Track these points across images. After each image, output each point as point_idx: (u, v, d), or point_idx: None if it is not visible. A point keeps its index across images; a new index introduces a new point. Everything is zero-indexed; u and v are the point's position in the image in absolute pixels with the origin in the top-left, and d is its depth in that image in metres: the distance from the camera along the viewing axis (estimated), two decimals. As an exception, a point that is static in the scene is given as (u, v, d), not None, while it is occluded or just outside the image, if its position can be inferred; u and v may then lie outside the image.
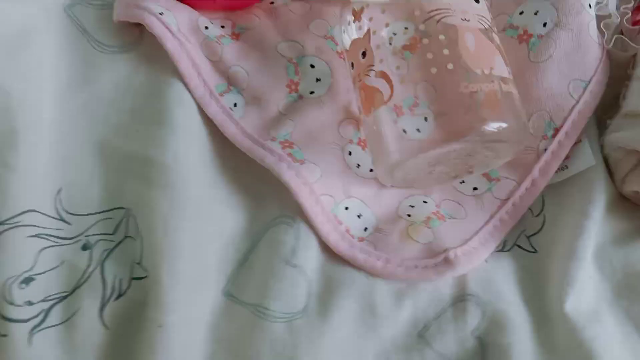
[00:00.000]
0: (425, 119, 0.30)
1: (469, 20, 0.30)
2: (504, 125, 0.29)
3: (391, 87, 0.30)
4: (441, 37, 0.29)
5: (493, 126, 0.29)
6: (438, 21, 0.30)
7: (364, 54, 0.31)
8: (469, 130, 0.29)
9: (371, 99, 0.31)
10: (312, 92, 0.35)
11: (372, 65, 0.31)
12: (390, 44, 0.31)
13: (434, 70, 0.29)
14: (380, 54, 0.31)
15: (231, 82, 0.35)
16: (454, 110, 0.30)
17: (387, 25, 0.31)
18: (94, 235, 0.32)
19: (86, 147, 0.34)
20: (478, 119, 0.29)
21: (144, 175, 0.32)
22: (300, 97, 0.35)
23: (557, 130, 0.33)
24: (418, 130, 0.30)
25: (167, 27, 0.34)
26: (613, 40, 0.34)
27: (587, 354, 0.29)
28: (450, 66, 0.29)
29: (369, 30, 0.31)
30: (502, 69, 0.30)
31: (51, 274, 0.31)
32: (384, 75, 0.30)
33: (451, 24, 0.29)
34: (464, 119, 0.30)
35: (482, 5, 0.31)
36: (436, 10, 0.30)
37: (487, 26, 0.31)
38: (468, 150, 0.31)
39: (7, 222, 0.30)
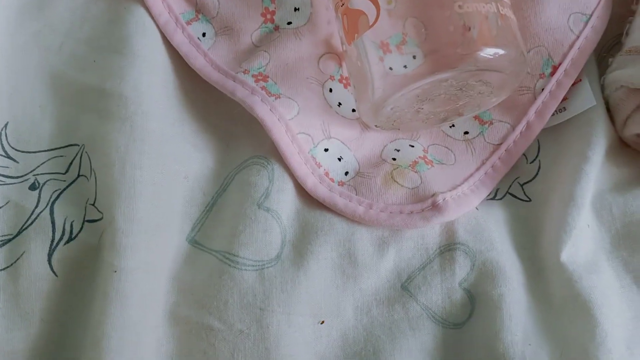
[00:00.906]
0: (414, 57, 0.27)
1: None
2: (500, 52, 0.26)
3: (377, 8, 0.27)
4: (434, -45, 0.26)
5: (489, 52, 0.26)
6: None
7: (347, -25, 0.28)
8: (462, 58, 0.27)
9: (355, 24, 0.28)
10: (289, 23, 0.31)
11: (357, -13, 0.28)
12: None
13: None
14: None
15: (199, 9, 0.32)
16: (445, 43, 0.27)
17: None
18: (43, 174, 0.29)
19: (37, 79, 0.30)
20: (472, 45, 0.26)
21: (100, 109, 0.29)
22: (277, 27, 0.32)
23: (555, 68, 0.31)
24: (405, 67, 0.27)
25: None
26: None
27: (583, 305, 0.27)
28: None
29: (354, -50, 0.28)
30: (499, -8, 0.27)
31: None
32: (368, -3, 0.27)
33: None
34: (455, 54, 0.27)
35: None
36: None
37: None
38: (459, 82, 0.28)
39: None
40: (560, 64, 0.31)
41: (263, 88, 0.30)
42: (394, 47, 0.27)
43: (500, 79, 0.28)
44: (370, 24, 0.27)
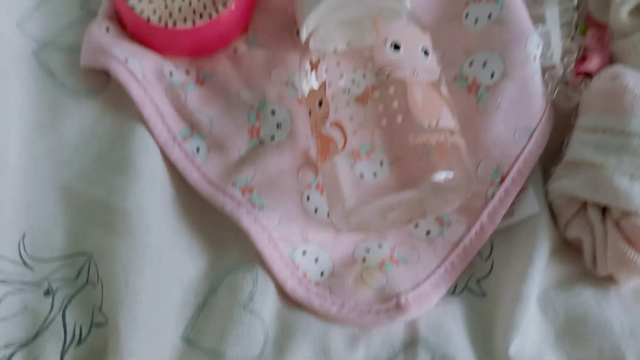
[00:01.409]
0: (382, 163, 0.31)
1: (417, 75, 0.31)
2: (451, 175, 0.31)
3: (345, 137, 0.32)
4: (391, 90, 0.31)
5: (441, 176, 0.31)
6: (388, 75, 0.31)
7: (320, 103, 0.33)
8: (420, 179, 0.31)
9: (327, 148, 0.32)
10: (272, 138, 0.36)
11: (327, 115, 0.32)
12: (346, 93, 0.32)
13: (384, 122, 0.31)
14: (335, 105, 0.32)
15: (194, 127, 0.36)
16: (407, 157, 0.31)
17: (341, 76, 0.32)
18: (56, 280, 0.33)
19: (50, 192, 0.34)
20: (427, 169, 0.31)
21: (106, 222, 0.33)
22: (262, 142, 0.36)
23: (503, 178, 0.35)
24: (375, 174, 0.32)
25: (132, 74, 0.35)
26: (556, 91, 0.36)
27: None
28: (399, 119, 0.31)
29: (324, 81, 0.32)
30: (448, 121, 0.32)
31: (14, 320, 0.31)
32: (338, 125, 0.32)
33: (401, 78, 0.31)
34: (416, 166, 0.31)
35: (432, 59, 0.33)
36: (387, 64, 0.31)
37: (435, 79, 0.32)
38: (419, 197, 0.32)
39: (-28, 268, 0.31)
40: (507, 174, 0.35)
41: (249, 200, 0.34)
42: (364, 154, 0.32)
43: (453, 194, 0.32)
44: (340, 149, 0.32)
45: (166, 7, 0.36)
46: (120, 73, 0.35)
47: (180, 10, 0.36)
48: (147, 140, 0.35)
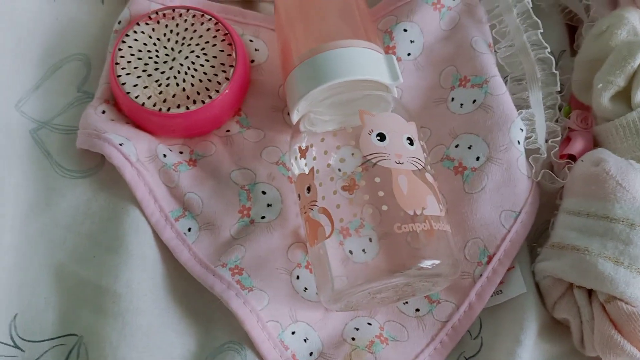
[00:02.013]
0: (370, 239, 0.32)
1: (402, 163, 0.32)
2: (437, 262, 0.31)
3: (332, 224, 0.32)
4: (376, 179, 0.32)
5: (427, 263, 0.31)
6: (374, 164, 0.32)
7: (308, 189, 0.34)
8: (406, 265, 0.31)
9: (314, 233, 0.33)
10: (263, 217, 0.37)
11: (316, 201, 0.33)
12: (332, 179, 0.33)
13: (369, 210, 0.32)
14: (323, 192, 0.33)
15: (186, 207, 0.37)
16: (394, 241, 0.32)
17: (328, 166, 0.33)
18: (46, 362, 0.33)
19: (42, 272, 0.35)
20: (414, 256, 0.31)
21: (96, 304, 0.34)
22: (252, 221, 0.37)
23: (490, 258, 0.35)
24: (364, 250, 0.32)
25: (126, 158, 0.36)
26: (541, 174, 0.37)
27: None
28: (384, 207, 0.31)
29: (312, 169, 0.33)
30: (434, 208, 0.32)
31: None
32: (325, 212, 0.33)
33: (386, 167, 0.32)
34: (404, 250, 0.32)
35: (417, 147, 0.34)
36: (372, 154, 0.32)
37: (420, 167, 0.33)
38: (407, 281, 0.33)
39: (-36, 353, 0.31)
40: (494, 254, 0.35)
41: (238, 282, 0.34)
42: (352, 231, 0.32)
43: (440, 279, 0.33)
44: (327, 235, 0.32)
45: (160, 93, 0.37)
46: (115, 156, 0.36)
47: (174, 96, 0.37)
48: (139, 221, 0.36)
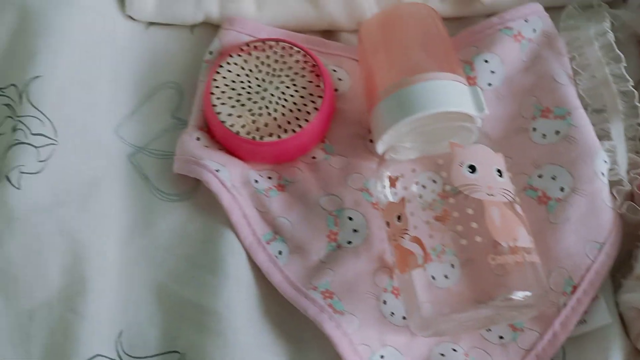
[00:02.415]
0: (453, 265, 0.33)
1: (494, 195, 0.33)
2: (528, 293, 0.32)
3: (425, 252, 0.34)
4: (469, 211, 0.33)
5: (518, 295, 0.32)
6: (466, 196, 0.33)
7: (399, 217, 0.35)
8: (495, 294, 0.33)
9: (405, 260, 0.34)
10: (349, 242, 0.38)
11: (407, 230, 0.34)
12: (423, 209, 0.34)
13: (463, 242, 0.33)
14: (414, 221, 0.34)
15: (277, 231, 0.38)
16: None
17: (420, 196, 0.34)
18: (150, 378, 0.35)
19: (145, 291, 0.37)
20: (505, 287, 0.32)
21: (198, 322, 0.35)
22: (339, 246, 0.38)
23: (575, 288, 0.36)
24: (446, 276, 0.33)
25: (222, 184, 0.38)
26: (624, 205, 0.37)
27: None
28: (478, 239, 0.33)
29: (403, 198, 0.35)
30: (525, 240, 0.33)
31: None
32: (417, 241, 0.34)
33: (478, 198, 0.33)
34: (492, 281, 0.33)
35: (506, 179, 0.35)
36: (464, 185, 0.33)
37: (510, 199, 0.34)
38: (495, 311, 0.34)
39: (77, 368, 0.34)
40: (579, 284, 0.36)
41: (330, 305, 0.36)
42: (434, 256, 0.34)
43: (528, 309, 0.34)
44: (420, 263, 0.34)
45: (254, 122, 0.39)
46: (212, 182, 0.38)
47: (266, 125, 0.39)
48: (234, 243, 0.37)
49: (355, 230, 0.38)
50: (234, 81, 0.40)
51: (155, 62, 0.43)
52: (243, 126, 0.39)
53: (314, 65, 0.40)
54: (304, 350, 0.37)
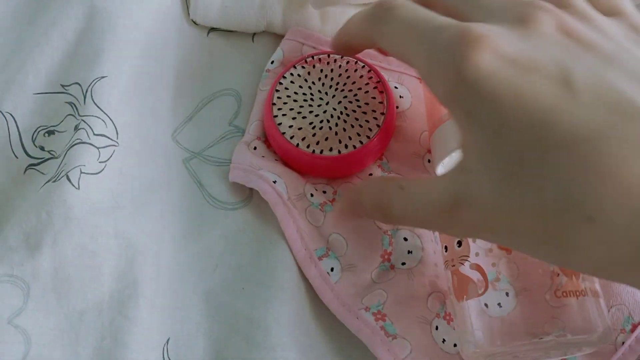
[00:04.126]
0: (507, 294, 0.32)
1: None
2: (586, 330, 0.31)
3: (486, 280, 0.33)
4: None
5: (579, 335, 0.31)
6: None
7: (459, 243, 0.34)
8: (551, 330, 0.32)
9: (464, 288, 0.34)
10: (403, 264, 0.38)
11: (467, 256, 0.34)
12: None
13: (521, 270, 0.32)
14: (476, 248, 0.33)
15: (330, 247, 0.38)
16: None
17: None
18: (197, 388, 0.35)
19: (194, 299, 0.37)
20: (561, 323, 0.31)
21: (247, 335, 0.35)
22: (392, 266, 0.38)
23: (635, 326, 0.35)
24: (499, 304, 0.33)
25: (279, 195, 0.38)
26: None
27: None
28: (539, 269, 0.32)
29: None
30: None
31: None
32: (479, 269, 0.33)
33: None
34: (546, 313, 0.32)
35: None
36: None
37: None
38: (548, 345, 0.33)
39: (126, 375, 0.33)
40: (639, 323, 0.35)
41: (382, 328, 0.35)
42: (489, 283, 0.33)
43: (587, 345, 0.33)
44: (480, 292, 0.33)
45: (314, 135, 0.39)
46: (269, 193, 0.38)
47: (326, 139, 0.38)
48: (286, 257, 0.37)
49: (409, 252, 0.38)
50: (296, 92, 0.40)
51: (215, 69, 0.43)
52: (303, 139, 0.38)
53: (377, 82, 0.40)
54: (354, 371, 0.36)
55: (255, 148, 0.40)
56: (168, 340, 0.36)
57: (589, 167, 0.24)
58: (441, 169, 0.37)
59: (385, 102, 0.39)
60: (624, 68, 0.26)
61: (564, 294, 0.32)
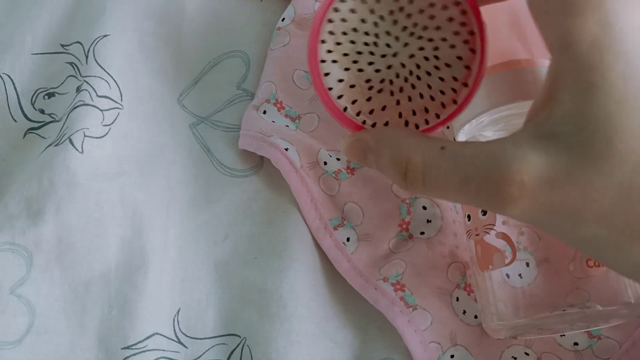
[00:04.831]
0: (527, 264, 0.31)
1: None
2: (611, 302, 0.30)
3: (513, 249, 0.32)
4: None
5: (600, 304, 0.30)
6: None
7: (484, 211, 0.33)
8: (574, 302, 0.30)
9: (489, 258, 0.32)
10: (422, 233, 0.36)
11: (493, 225, 0.32)
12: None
13: (542, 239, 0.31)
14: (503, 217, 0.32)
15: (345, 217, 0.36)
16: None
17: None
18: (208, 360, 0.33)
19: (203, 269, 0.35)
20: (585, 295, 0.30)
21: (261, 307, 0.34)
22: (410, 236, 0.36)
23: (663, 298, 0.34)
24: (520, 275, 0.31)
25: (291, 164, 0.36)
26: None
27: None
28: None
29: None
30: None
31: None
32: (506, 238, 0.32)
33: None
34: (569, 284, 0.31)
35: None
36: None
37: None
38: (575, 318, 0.32)
39: (134, 346, 0.32)
40: (667, 295, 0.34)
41: (402, 298, 0.34)
42: (509, 254, 0.32)
43: (615, 318, 0.32)
44: (507, 262, 0.32)
45: (369, 99, 0.28)
46: (281, 162, 0.36)
47: (383, 109, 0.28)
48: (300, 226, 0.35)
49: (429, 221, 0.36)
50: (355, 30, 0.27)
51: (222, 30, 0.41)
52: (354, 102, 0.28)
53: (471, 33, 0.27)
54: (368, 342, 0.35)
55: (264, 112, 0.38)
56: (179, 311, 0.34)
57: None
58: (462, 136, 0.36)
59: (474, 69, 0.27)
60: None
61: (596, 263, 0.30)
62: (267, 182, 0.37)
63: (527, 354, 0.35)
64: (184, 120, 0.39)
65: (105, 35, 0.36)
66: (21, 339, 0.31)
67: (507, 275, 0.32)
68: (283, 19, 0.40)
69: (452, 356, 0.34)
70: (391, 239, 0.36)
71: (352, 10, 0.27)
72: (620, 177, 0.21)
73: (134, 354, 0.32)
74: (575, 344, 0.35)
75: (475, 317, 0.35)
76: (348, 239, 0.36)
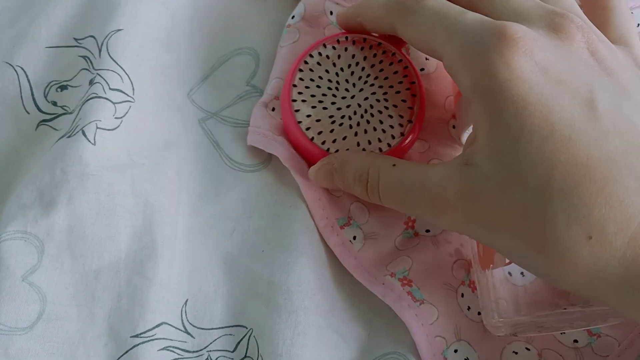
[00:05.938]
0: None
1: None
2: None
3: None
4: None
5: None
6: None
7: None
8: (576, 300, 0.31)
9: (491, 257, 0.33)
10: (427, 231, 0.37)
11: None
12: None
13: None
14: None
15: (351, 216, 0.37)
16: None
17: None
18: (214, 350, 0.34)
19: (212, 261, 0.36)
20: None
21: (268, 299, 0.34)
22: (416, 234, 0.37)
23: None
24: (522, 273, 0.32)
25: (299, 163, 0.36)
26: None
27: None
28: None
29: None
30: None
31: None
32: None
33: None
34: None
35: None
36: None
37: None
38: (572, 317, 0.32)
39: (143, 335, 0.32)
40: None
41: (409, 293, 0.35)
42: None
43: (613, 318, 0.32)
44: (507, 262, 0.32)
45: (332, 131, 0.35)
46: (290, 160, 0.36)
47: (344, 138, 0.35)
48: (307, 222, 0.36)
49: None
50: (320, 77, 0.35)
51: (233, 27, 0.42)
52: (319, 133, 0.35)
53: (412, 83, 0.36)
54: (374, 336, 0.35)
55: (273, 109, 0.38)
56: (186, 301, 0.35)
57: (598, 189, 0.25)
58: (466, 136, 0.36)
59: (415, 109, 0.35)
60: (635, 100, 0.28)
61: None
62: (275, 176, 0.38)
63: (527, 350, 0.36)
64: (194, 115, 0.39)
65: (119, 30, 0.36)
66: (32, 326, 0.31)
67: (509, 274, 0.32)
68: (293, 17, 0.40)
69: (455, 350, 0.35)
70: (397, 236, 0.37)
71: (319, 63, 0.36)
72: (520, 198, 0.26)
73: (143, 342, 0.32)
74: (575, 341, 0.36)
75: (479, 313, 0.36)
76: (354, 238, 0.36)
